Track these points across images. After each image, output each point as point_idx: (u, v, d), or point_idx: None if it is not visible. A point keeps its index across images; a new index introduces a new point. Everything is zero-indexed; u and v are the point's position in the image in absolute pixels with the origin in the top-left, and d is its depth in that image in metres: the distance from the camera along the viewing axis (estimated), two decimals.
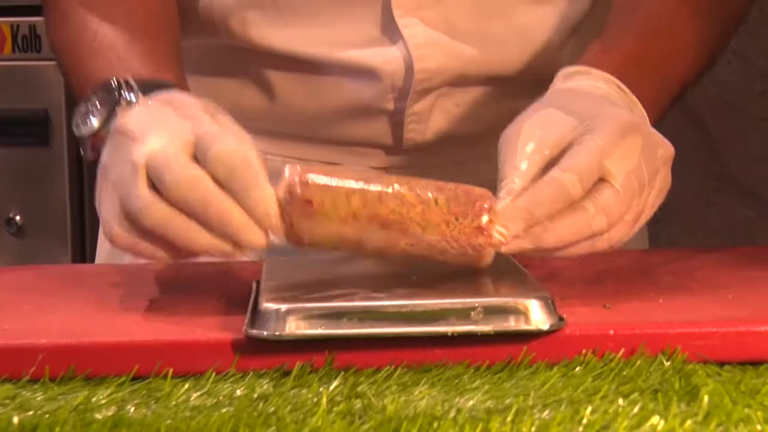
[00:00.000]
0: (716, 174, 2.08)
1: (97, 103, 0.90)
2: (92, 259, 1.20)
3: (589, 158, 0.83)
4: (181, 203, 0.80)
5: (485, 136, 1.06)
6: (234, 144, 0.81)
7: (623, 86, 0.93)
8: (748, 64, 2.08)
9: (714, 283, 0.90)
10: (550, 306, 0.79)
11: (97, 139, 0.89)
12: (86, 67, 0.96)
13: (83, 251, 2.07)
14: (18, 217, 2.09)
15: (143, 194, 0.81)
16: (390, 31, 1.03)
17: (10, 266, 1.28)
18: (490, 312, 0.78)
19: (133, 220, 0.82)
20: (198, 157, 0.81)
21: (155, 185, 0.81)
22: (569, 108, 0.86)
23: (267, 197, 0.80)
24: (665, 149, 0.88)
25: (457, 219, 0.82)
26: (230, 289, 0.90)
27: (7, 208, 2.09)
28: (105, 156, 0.85)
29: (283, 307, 0.78)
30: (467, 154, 1.09)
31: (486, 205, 0.83)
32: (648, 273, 0.94)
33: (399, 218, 0.82)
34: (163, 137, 0.81)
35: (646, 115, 0.94)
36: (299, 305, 0.78)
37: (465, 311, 0.78)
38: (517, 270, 0.87)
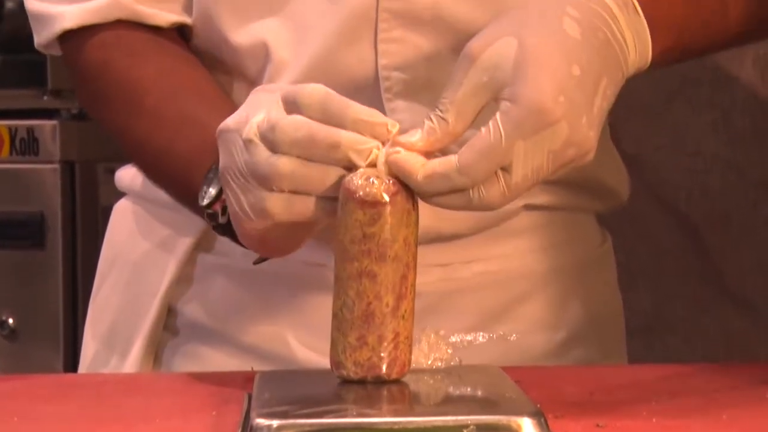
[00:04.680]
0: (711, 283, 2.08)
1: (210, 175, 0.95)
2: None
3: (488, 160, 0.84)
4: (296, 148, 0.85)
5: (467, 236, 1.06)
6: (314, 86, 0.86)
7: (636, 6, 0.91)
8: (742, 175, 2.09)
9: (708, 402, 0.89)
10: (543, 424, 0.78)
11: (220, 203, 0.95)
12: (185, 151, 1.01)
13: (75, 355, 2.05)
14: (11, 320, 2.08)
15: (266, 156, 0.86)
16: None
17: (0, 369, 1.26)
18: (483, 430, 0.77)
19: (274, 183, 0.86)
20: (289, 109, 0.87)
21: (270, 148, 0.86)
22: (528, 45, 0.86)
23: (363, 110, 0.86)
24: (580, 148, 0.87)
25: None
26: (222, 401, 0.90)
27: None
28: (221, 160, 0.91)
29: (275, 423, 0.77)
30: (450, 255, 1.09)
31: None
32: (641, 390, 0.93)
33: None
34: (260, 111, 0.88)
35: (626, 61, 0.91)
36: (291, 421, 0.77)
37: (458, 429, 0.77)
38: (510, 387, 0.87)
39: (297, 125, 0.86)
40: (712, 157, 2.11)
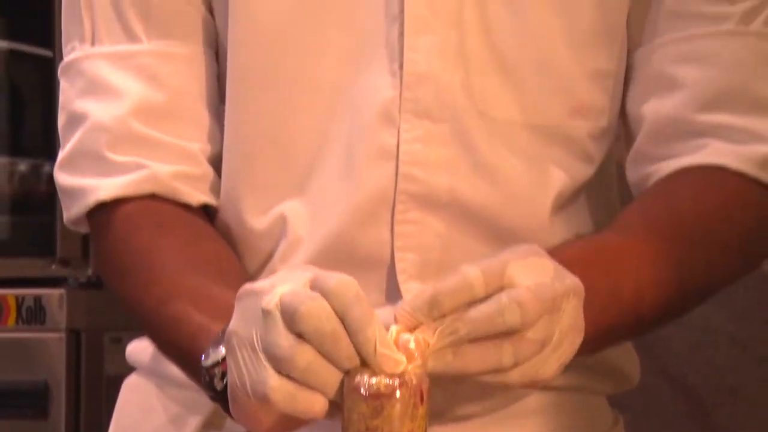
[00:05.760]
0: None
1: (219, 338, 0.93)
2: None
3: (493, 262, 0.87)
4: (316, 338, 0.83)
5: (480, 416, 1.06)
6: (346, 283, 0.84)
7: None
8: (748, 351, 2.09)
9: None
10: None
11: (221, 367, 0.92)
12: (195, 320, 0.98)
13: None
14: None
15: (285, 335, 0.84)
16: (393, 295, 1.04)
17: None
18: None
19: (283, 368, 0.84)
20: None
21: (288, 325, 0.84)
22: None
23: (379, 337, 0.84)
24: (574, 281, 0.90)
25: None
26: None
27: None
28: (233, 322, 0.88)
29: None
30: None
31: None
32: None
33: None
34: (287, 283, 0.86)
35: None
36: None
37: None
38: None
39: (325, 316, 0.84)
40: (718, 331, 2.11)
